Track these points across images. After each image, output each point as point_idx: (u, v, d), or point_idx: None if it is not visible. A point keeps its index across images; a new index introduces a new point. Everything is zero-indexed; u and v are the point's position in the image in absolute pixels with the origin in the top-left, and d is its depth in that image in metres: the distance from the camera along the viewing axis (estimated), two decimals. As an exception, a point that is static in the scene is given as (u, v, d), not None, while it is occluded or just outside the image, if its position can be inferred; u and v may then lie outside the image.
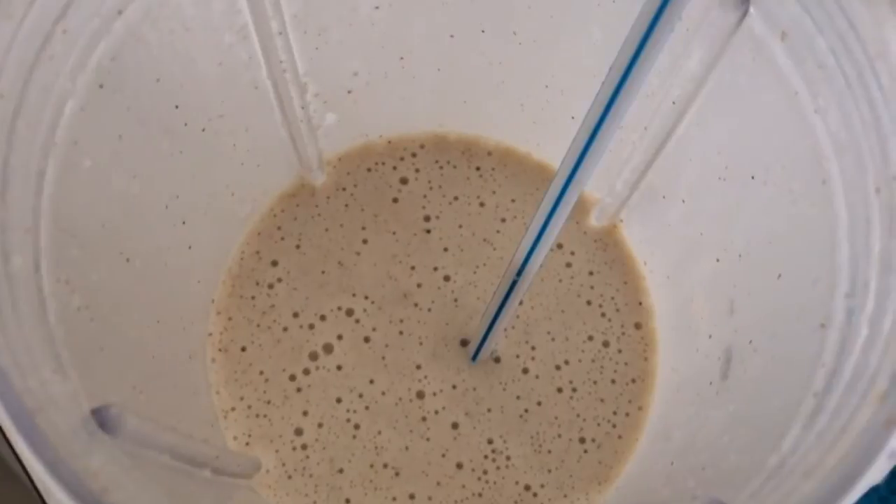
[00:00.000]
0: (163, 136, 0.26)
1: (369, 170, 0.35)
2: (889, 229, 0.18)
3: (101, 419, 0.17)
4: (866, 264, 0.19)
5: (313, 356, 0.32)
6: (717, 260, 0.28)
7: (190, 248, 0.30)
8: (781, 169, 0.23)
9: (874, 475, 0.16)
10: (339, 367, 0.32)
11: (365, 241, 0.34)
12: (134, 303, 0.26)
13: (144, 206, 0.26)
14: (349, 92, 0.32)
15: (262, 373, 0.32)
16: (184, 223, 0.29)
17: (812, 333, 0.20)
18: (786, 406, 0.20)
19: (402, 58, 0.32)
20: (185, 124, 0.27)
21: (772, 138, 0.24)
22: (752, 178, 0.25)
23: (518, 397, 0.32)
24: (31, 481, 0.23)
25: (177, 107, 0.26)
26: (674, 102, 0.27)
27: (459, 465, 0.31)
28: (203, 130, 0.28)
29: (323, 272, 0.33)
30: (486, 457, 0.31)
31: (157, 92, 0.25)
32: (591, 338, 0.33)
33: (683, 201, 0.30)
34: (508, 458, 0.31)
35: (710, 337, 0.29)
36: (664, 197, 0.31)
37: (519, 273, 0.26)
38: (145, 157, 0.25)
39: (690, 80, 0.25)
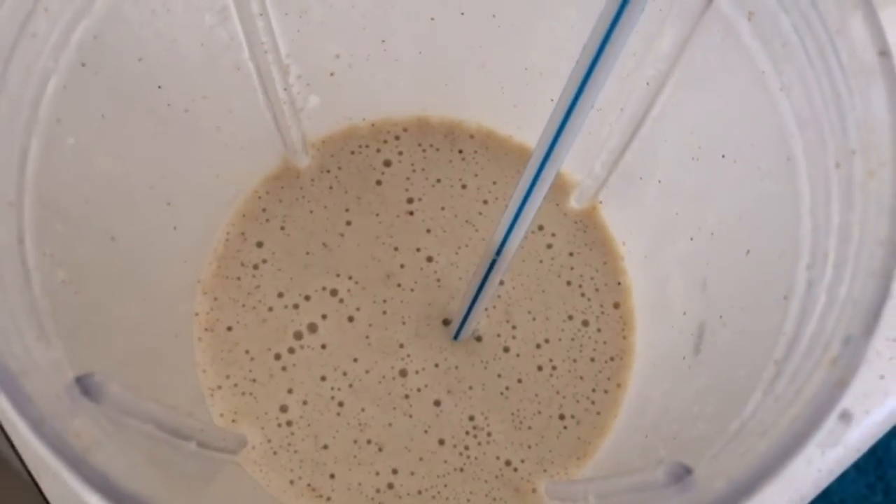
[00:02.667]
0: (146, 116, 0.26)
1: (353, 152, 0.36)
2: (847, 202, 0.19)
3: (85, 386, 0.18)
4: (826, 236, 0.20)
5: (298, 335, 0.32)
6: (691, 238, 0.29)
7: (175, 228, 0.30)
8: (750, 147, 0.24)
9: (826, 436, 0.16)
10: (323, 346, 0.32)
11: (349, 223, 0.34)
12: (119, 280, 0.26)
13: (129, 185, 0.26)
14: (332, 74, 0.33)
15: (247, 352, 0.32)
16: (168, 204, 0.29)
17: (776, 305, 0.21)
18: (750, 375, 0.20)
19: (383, 40, 0.32)
20: (168, 105, 0.27)
21: (741, 117, 0.24)
22: (723, 156, 0.25)
23: (499, 375, 0.32)
24: (27, 469, 0.24)
25: (160, 87, 0.26)
26: (647, 83, 0.27)
27: (441, 441, 0.31)
28: (186, 111, 0.28)
29: (307, 253, 0.34)
30: (467, 433, 0.31)
31: (140, 72, 0.25)
32: (570, 317, 0.33)
33: (659, 182, 0.30)
34: (489, 434, 0.31)
35: (684, 314, 0.29)
36: (641, 178, 0.31)
37: (498, 252, 0.27)
38: (129, 137, 0.26)
39: (663, 60, 0.26)
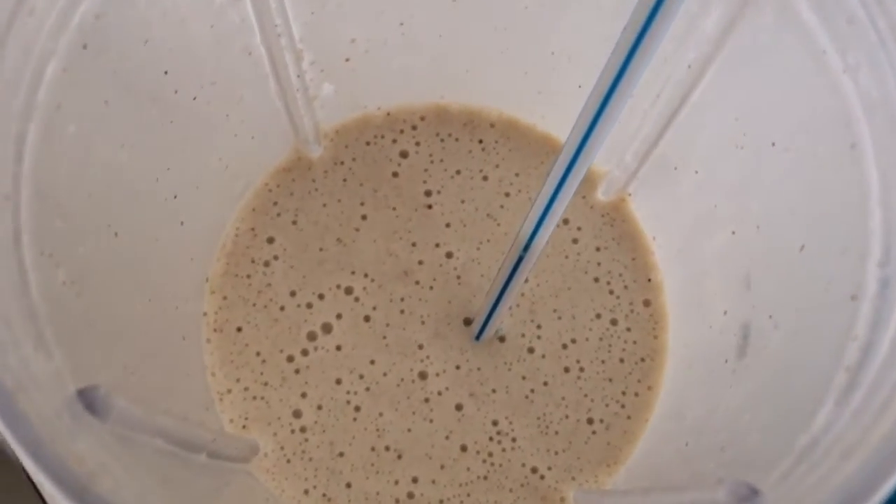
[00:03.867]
0: (152, 103, 0.25)
1: (368, 143, 0.34)
2: (927, 193, 0.17)
3: (88, 400, 0.16)
4: (901, 230, 0.18)
5: (312, 336, 0.31)
6: (733, 233, 0.27)
7: (182, 223, 0.29)
8: (806, 134, 0.22)
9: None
10: (338, 348, 0.31)
11: (364, 217, 0.33)
12: (123, 279, 0.25)
13: (133, 177, 0.25)
14: (347, 60, 0.31)
15: (258, 354, 0.31)
16: (175, 197, 0.28)
17: (841, 306, 0.19)
18: (814, 382, 0.19)
19: (401, 24, 0.31)
20: (176, 92, 0.26)
21: (796, 101, 0.22)
22: (773, 144, 0.24)
23: (524, 377, 0.31)
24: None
25: (166, 72, 0.25)
26: (689, 66, 0.26)
27: (464, 448, 0.30)
28: (194, 99, 0.27)
29: (321, 249, 0.32)
30: (491, 439, 0.30)
31: (145, 55, 0.24)
32: (598, 315, 0.32)
33: (696, 172, 0.29)
34: (514, 439, 0.30)
35: (724, 313, 0.28)
36: (676, 168, 0.30)
37: (525, 249, 0.25)
38: (133, 126, 0.24)
39: (707, 41, 0.24)
